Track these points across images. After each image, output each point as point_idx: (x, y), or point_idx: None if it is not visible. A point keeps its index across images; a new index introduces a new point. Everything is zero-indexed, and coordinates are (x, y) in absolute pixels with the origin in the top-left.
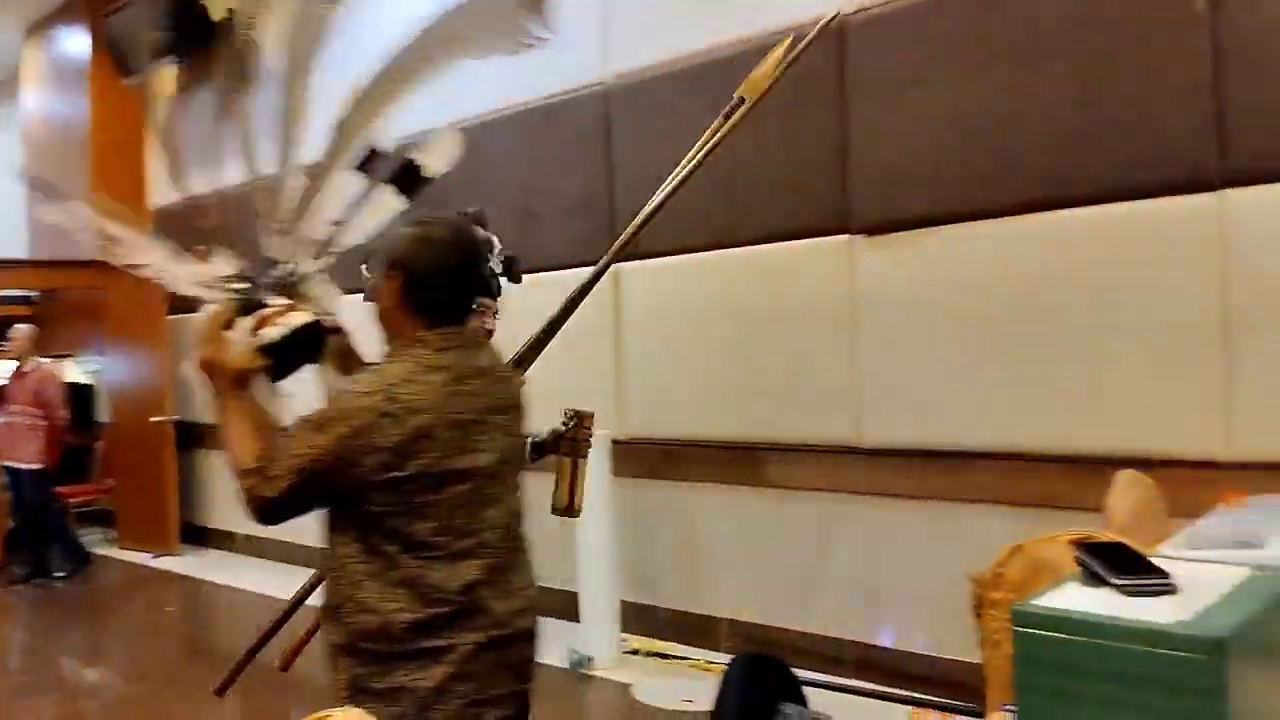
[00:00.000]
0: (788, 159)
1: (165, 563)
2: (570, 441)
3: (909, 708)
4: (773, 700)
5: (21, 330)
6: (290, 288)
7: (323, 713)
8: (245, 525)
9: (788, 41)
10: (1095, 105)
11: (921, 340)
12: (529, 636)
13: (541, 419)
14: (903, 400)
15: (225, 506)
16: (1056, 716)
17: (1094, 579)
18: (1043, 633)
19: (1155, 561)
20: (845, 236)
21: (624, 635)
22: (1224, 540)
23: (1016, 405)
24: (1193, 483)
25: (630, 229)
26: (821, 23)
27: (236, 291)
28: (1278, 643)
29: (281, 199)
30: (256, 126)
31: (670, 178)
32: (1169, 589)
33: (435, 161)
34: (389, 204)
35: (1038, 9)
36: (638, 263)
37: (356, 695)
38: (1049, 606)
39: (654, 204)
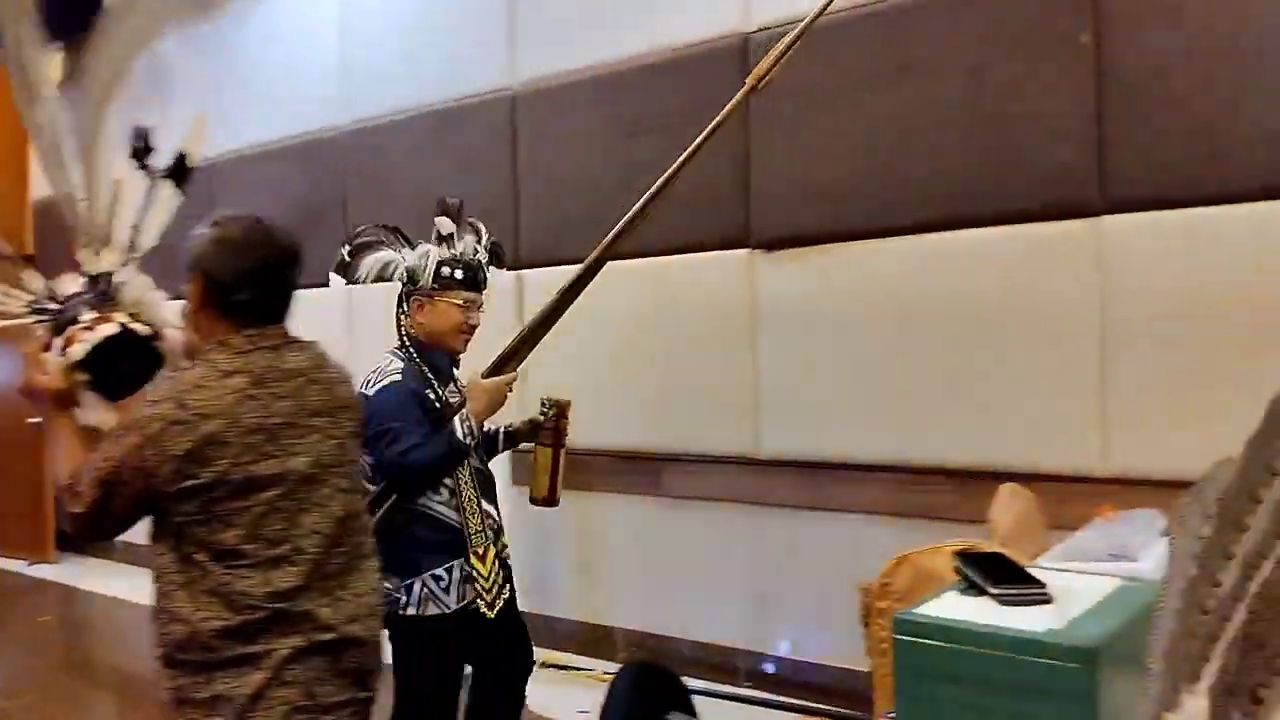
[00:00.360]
0: (692, 172)
1: (41, 571)
2: (550, 431)
3: (799, 716)
4: (659, 710)
5: None
6: (109, 299)
7: None
8: (124, 533)
9: (791, 34)
10: (986, 131)
11: (818, 354)
12: (363, 643)
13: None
14: (799, 412)
15: None
16: None
17: (973, 588)
18: (921, 640)
19: (1032, 572)
20: (746, 251)
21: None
22: (1099, 552)
23: (907, 419)
24: (1071, 496)
25: (625, 220)
26: (813, 12)
27: (47, 312)
28: (1144, 651)
29: (88, 208)
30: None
31: (674, 165)
32: (1044, 599)
33: (193, 148)
34: (169, 199)
35: (935, 33)
36: (541, 270)
37: (180, 706)
38: (928, 615)
39: (655, 189)
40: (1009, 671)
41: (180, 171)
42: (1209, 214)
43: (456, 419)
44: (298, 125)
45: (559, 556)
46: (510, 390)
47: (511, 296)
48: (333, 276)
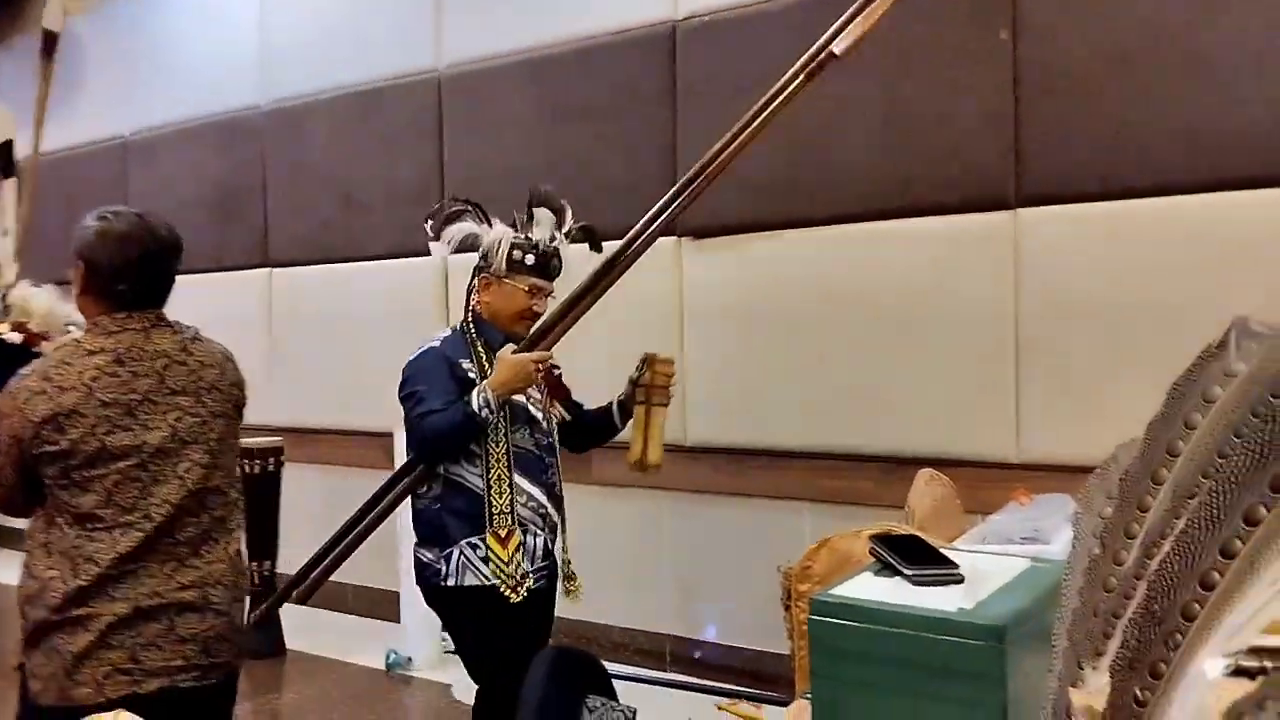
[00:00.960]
0: (622, 160)
1: None
2: (644, 389)
3: (720, 699)
4: (578, 694)
5: None
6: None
7: (93, 718)
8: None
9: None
10: (907, 123)
11: (742, 342)
12: (201, 610)
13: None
14: (724, 399)
15: None
16: (848, 702)
17: (887, 569)
18: (836, 621)
19: (945, 553)
20: (673, 238)
21: (445, 635)
22: (1013, 535)
23: (828, 407)
24: (987, 482)
25: (672, 196)
26: None
27: None
28: (1051, 629)
29: None
30: None
31: (740, 125)
32: (956, 579)
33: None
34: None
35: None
36: (465, 256)
37: (26, 649)
38: (842, 596)
39: (713, 156)
40: (920, 650)
41: (7, 160)
42: (1121, 208)
43: (475, 389)
44: (215, 105)
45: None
46: (539, 369)
47: (438, 279)
48: (433, 245)
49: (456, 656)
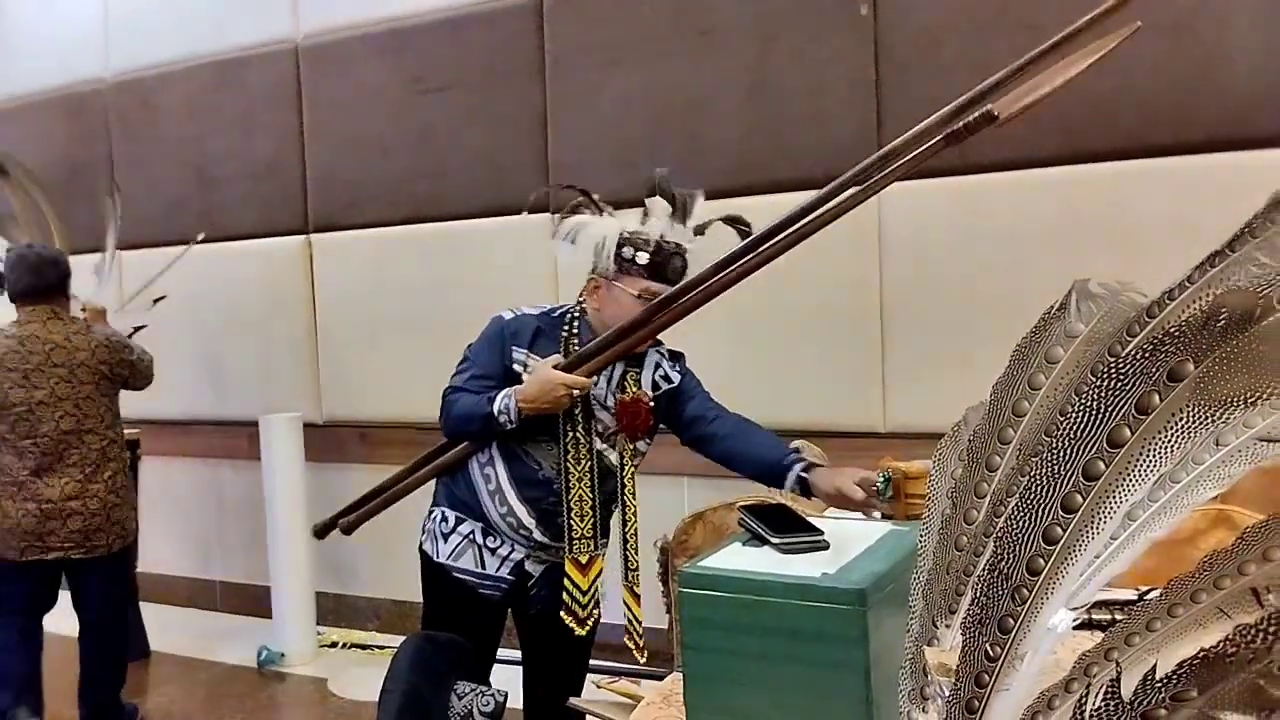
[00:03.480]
0: (490, 132)
1: None
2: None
3: (599, 678)
4: (445, 680)
5: None
6: None
7: None
8: None
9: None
10: (771, 98)
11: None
12: (83, 511)
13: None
14: None
15: None
16: (716, 673)
17: (755, 539)
18: (704, 592)
19: (812, 521)
20: (546, 215)
21: (320, 628)
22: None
23: (705, 384)
24: (857, 451)
25: (748, 248)
26: (1120, 35)
27: None
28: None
29: None
30: None
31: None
32: (821, 545)
33: None
34: None
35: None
36: (331, 235)
37: None
38: (710, 566)
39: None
40: (786, 617)
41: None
42: (972, 181)
43: (501, 394)
44: (58, 76)
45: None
46: (570, 397)
47: (300, 268)
48: (559, 248)
49: (334, 650)
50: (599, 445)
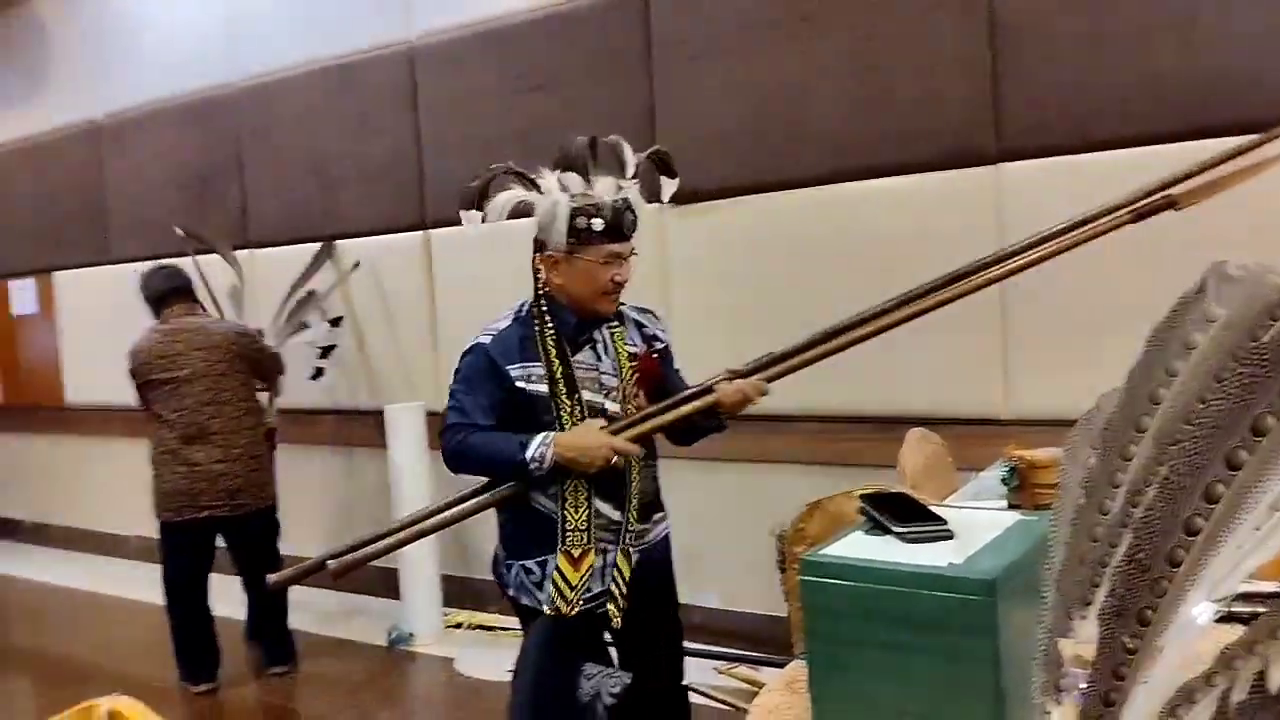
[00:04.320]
0: (598, 126)
1: None
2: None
3: (717, 663)
4: (574, 662)
5: None
6: None
7: (88, 703)
8: (32, 513)
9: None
10: (880, 80)
11: (729, 308)
12: (226, 475)
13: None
14: (715, 366)
15: (9, 492)
16: (840, 660)
17: (877, 528)
18: (827, 580)
19: (935, 510)
20: (655, 206)
21: (446, 609)
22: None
23: (817, 370)
24: (977, 439)
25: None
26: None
27: None
28: (1038, 581)
29: None
30: None
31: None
32: (946, 535)
33: None
34: None
35: None
36: (448, 230)
37: None
38: (833, 555)
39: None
40: (912, 606)
41: None
42: (1099, 159)
43: (539, 437)
44: (186, 84)
45: (481, 518)
46: (614, 464)
47: (421, 261)
48: (464, 214)
49: (459, 631)
50: (614, 407)
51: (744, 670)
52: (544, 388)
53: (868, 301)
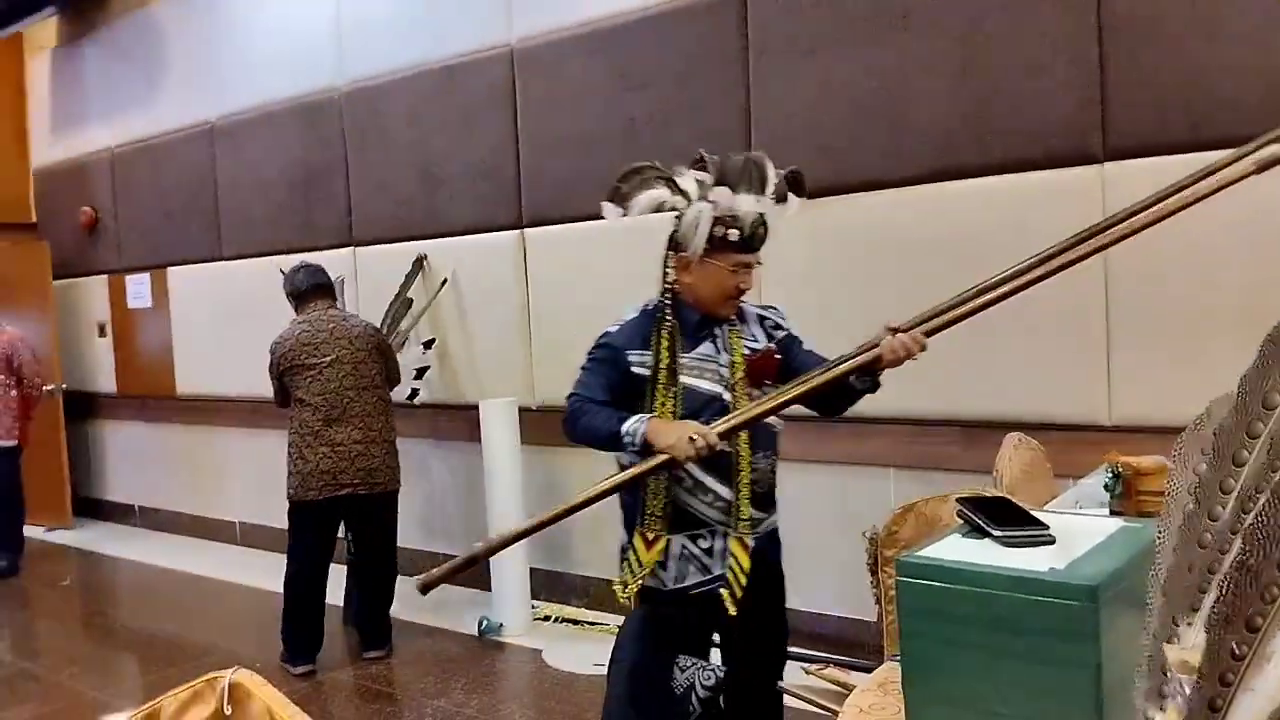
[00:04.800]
0: (694, 125)
1: (59, 536)
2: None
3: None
4: (669, 653)
5: None
6: None
7: (210, 675)
8: (144, 498)
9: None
10: (982, 77)
11: (824, 310)
12: (363, 455)
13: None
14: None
15: (123, 478)
16: (937, 663)
17: (975, 531)
18: (924, 582)
19: (1034, 514)
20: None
21: (535, 602)
22: (1104, 497)
23: (913, 372)
24: (1078, 445)
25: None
26: None
27: None
28: (1142, 588)
29: None
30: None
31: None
32: (1047, 540)
33: None
34: None
35: None
36: (543, 229)
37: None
38: (929, 557)
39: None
40: (1011, 610)
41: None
42: (1211, 159)
43: (635, 418)
44: (295, 87)
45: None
46: (700, 452)
47: (516, 259)
48: (606, 206)
49: (547, 624)
50: (729, 398)
51: (833, 671)
52: (649, 373)
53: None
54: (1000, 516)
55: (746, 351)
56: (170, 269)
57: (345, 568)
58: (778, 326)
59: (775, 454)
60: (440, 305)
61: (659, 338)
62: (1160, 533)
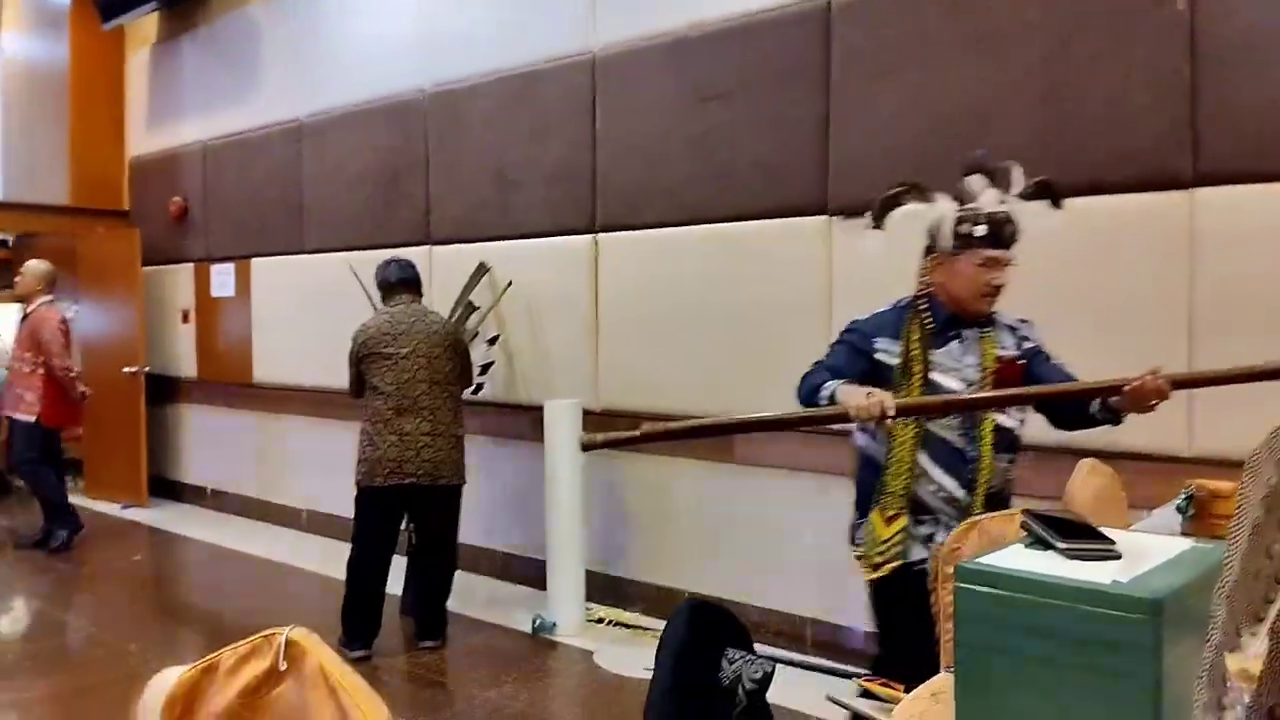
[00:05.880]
0: (772, 137)
1: (133, 514)
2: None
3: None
4: (718, 644)
5: (30, 267)
6: None
7: (268, 631)
8: (216, 481)
9: None
10: (1068, 98)
11: None
12: (431, 445)
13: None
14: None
15: (197, 461)
16: (994, 673)
17: (1039, 543)
18: (983, 589)
19: (1101, 531)
20: (824, 217)
21: (589, 604)
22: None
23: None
24: (1154, 475)
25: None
26: None
27: None
28: (1207, 607)
29: None
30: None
31: None
32: (1112, 554)
33: None
34: None
35: (1018, 1)
36: (617, 234)
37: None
38: (990, 564)
39: None
40: (1072, 622)
41: None
42: None
43: (831, 383)
44: (382, 89)
45: (629, 519)
46: (871, 411)
47: (588, 264)
48: (871, 236)
49: (600, 626)
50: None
51: (880, 686)
52: (895, 362)
53: (1037, 315)
54: (1066, 530)
55: (999, 354)
56: (254, 260)
57: (406, 558)
58: (1026, 338)
59: (1015, 457)
60: (508, 307)
61: (910, 331)
62: (1230, 542)
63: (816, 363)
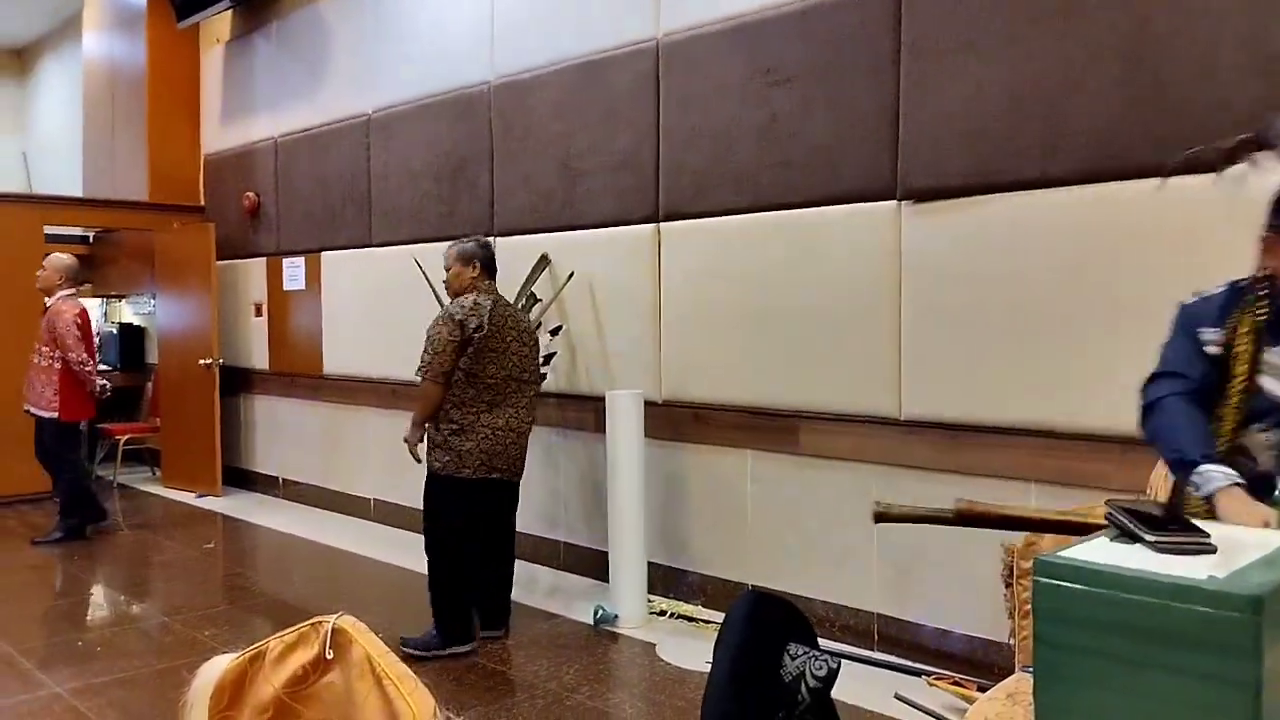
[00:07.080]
0: (839, 121)
1: (207, 503)
2: None
3: (924, 678)
4: (780, 638)
5: (51, 260)
6: None
7: (316, 618)
8: (287, 471)
9: None
10: (1152, 76)
11: (963, 312)
12: (517, 438)
13: None
14: (942, 373)
15: (270, 451)
16: (1073, 673)
17: (1125, 535)
18: (1066, 584)
19: (1195, 522)
20: (893, 202)
21: (651, 597)
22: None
23: (1054, 382)
24: None
25: None
26: None
27: None
28: None
29: None
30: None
31: None
32: (1206, 548)
33: None
34: None
35: None
36: (678, 223)
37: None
38: (1072, 558)
39: None
40: (1161, 619)
41: None
42: None
43: (1223, 470)
44: (450, 81)
45: (692, 510)
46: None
47: (649, 254)
48: (1220, 176)
49: (662, 619)
50: None
51: (953, 686)
52: (1215, 352)
53: (1125, 306)
54: (1155, 522)
55: None
56: (324, 254)
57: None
58: None
59: None
60: (570, 297)
61: (1235, 321)
62: None
63: (1155, 373)
